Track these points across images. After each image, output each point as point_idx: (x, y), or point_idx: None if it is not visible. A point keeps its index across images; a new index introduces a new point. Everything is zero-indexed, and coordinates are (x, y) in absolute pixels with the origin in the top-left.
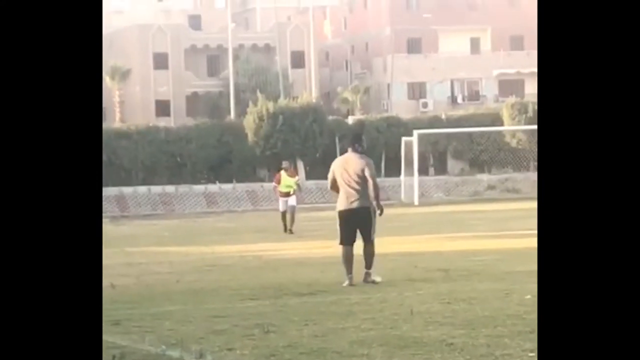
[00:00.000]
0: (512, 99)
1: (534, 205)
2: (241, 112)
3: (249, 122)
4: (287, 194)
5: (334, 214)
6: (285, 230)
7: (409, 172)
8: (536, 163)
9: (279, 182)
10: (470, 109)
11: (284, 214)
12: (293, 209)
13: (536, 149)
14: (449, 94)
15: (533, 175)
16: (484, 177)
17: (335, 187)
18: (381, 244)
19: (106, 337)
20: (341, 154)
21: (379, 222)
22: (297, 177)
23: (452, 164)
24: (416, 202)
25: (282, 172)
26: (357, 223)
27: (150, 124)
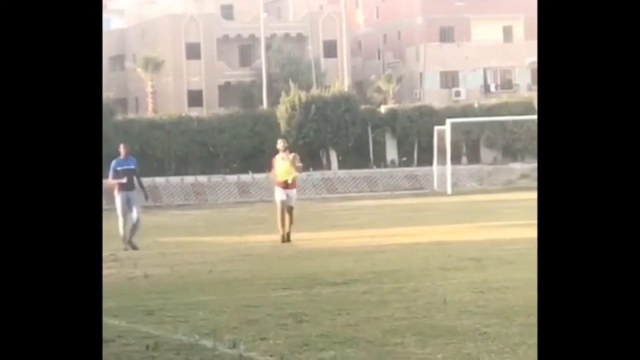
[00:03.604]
0: None
1: None
2: (273, 101)
3: (282, 112)
4: (286, 184)
5: (367, 203)
6: (283, 239)
7: (442, 161)
8: None
9: (274, 168)
10: (503, 98)
11: (281, 211)
12: (291, 211)
13: None
14: (482, 82)
15: None
16: (517, 166)
17: None
18: (414, 233)
19: (140, 327)
20: (374, 143)
21: (411, 210)
22: (292, 158)
23: (485, 152)
24: (449, 191)
25: (277, 156)
26: None
27: (183, 114)
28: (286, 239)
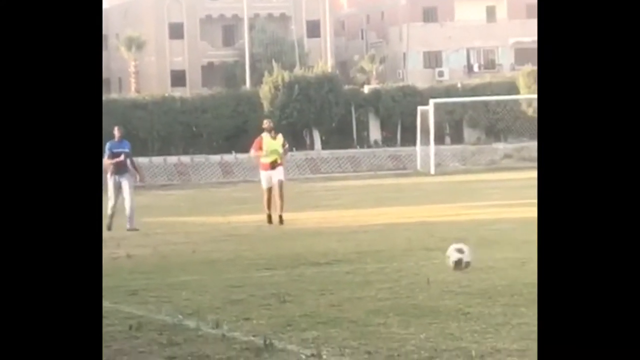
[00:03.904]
0: (528, 68)
1: None
2: (257, 81)
3: (265, 92)
4: (273, 164)
5: (350, 183)
6: (270, 219)
7: (425, 141)
8: None
9: (260, 148)
10: (487, 78)
11: (268, 192)
12: (281, 186)
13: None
14: (465, 62)
15: None
16: (500, 146)
17: None
18: (397, 213)
19: (123, 307)
20: (357, 123)
21: (395, 191)
22: (283, 141)
23: (468, 132)
24: (432, 171)
25: (264, 135)
26: None
27: (166, 94)
28: (279, 221)
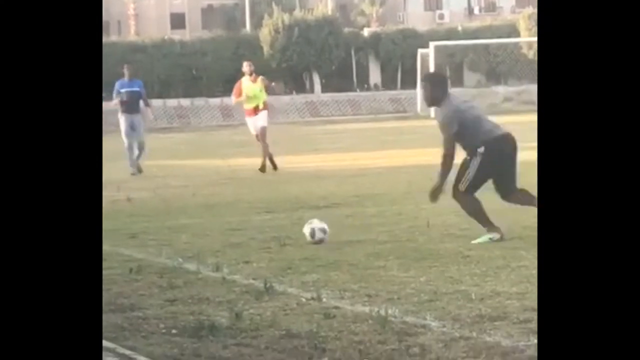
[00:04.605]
0: (529, 10)
1: None
2: (257, 24)
3: (265, 35)
4: (257, 109)
5: (350, 127)
6: (263, 167)
7: None
8: None
9: (239, 94)
10: (487, 21)
11: (257, 139)
12: (264, 133)
13: None
14: (466, 5)
15: None
16: (500, 89)
17: None
18: (397, 156)
19: (123, 250)
20: (357, 66)
21: (395, 134)
22: (266, 83)
23: (468, 76)
24: (432, 115)
25: (244, 79)
26: None
27: (166, 37)
28: (273, 166)
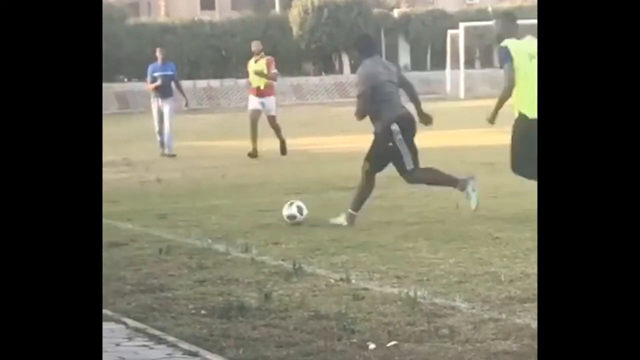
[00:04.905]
0: None
1: None
2: (286, 5)
3: (294, 16)
4: (259, 90)
5: None
6: (254, 153)
7: (455, 66)
8: None
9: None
10: (517, 1)
11: (253, 122)
12: (273, 121)
13: None
14: None
15: None
16: None
17: None
18: (427, 138)
19: (152, 231)
20: (386, 47)
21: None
22: (269, 64)
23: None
24: (462, 96)
25: (252, 59)
26: None
27: (195, 18)
28: (283, 150)
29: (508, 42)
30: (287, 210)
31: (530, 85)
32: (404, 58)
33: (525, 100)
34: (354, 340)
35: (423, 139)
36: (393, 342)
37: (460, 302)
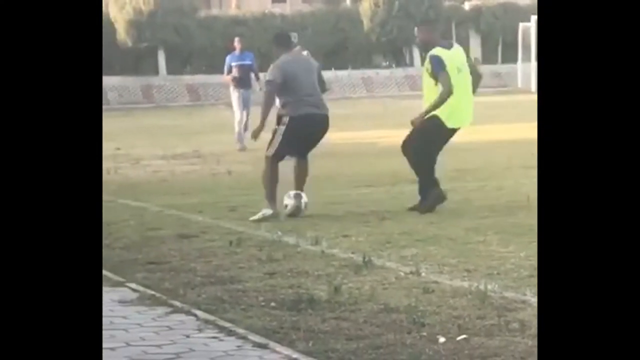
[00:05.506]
0: None
1: None
2: None
3: (365, 9)
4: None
5: None
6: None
7: (526, 58)
8: None
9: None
10: None
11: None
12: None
13: None
14: None
15: None
16: None
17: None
18: (499, 131)
19: (223, 223)
20: (457, 40)
21: (495, 108)
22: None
23: None
24: (533, 89)
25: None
26: None
27: (266, 11)
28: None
29: (439, 52)
30: (287, 201)
31: (456, 96)
32: (475, 51)
33: (447, 109)
34: (424, 334)
35: (493, 131)
36: (463, 336)
37: (531, 296)
